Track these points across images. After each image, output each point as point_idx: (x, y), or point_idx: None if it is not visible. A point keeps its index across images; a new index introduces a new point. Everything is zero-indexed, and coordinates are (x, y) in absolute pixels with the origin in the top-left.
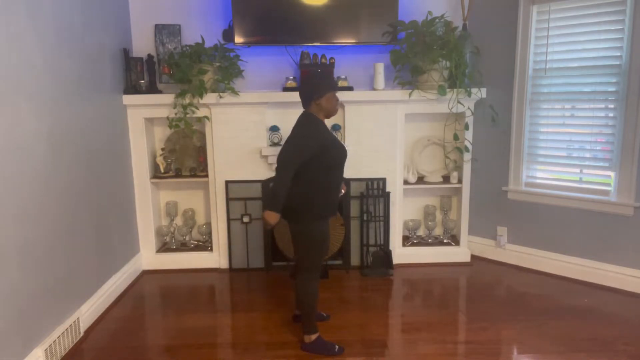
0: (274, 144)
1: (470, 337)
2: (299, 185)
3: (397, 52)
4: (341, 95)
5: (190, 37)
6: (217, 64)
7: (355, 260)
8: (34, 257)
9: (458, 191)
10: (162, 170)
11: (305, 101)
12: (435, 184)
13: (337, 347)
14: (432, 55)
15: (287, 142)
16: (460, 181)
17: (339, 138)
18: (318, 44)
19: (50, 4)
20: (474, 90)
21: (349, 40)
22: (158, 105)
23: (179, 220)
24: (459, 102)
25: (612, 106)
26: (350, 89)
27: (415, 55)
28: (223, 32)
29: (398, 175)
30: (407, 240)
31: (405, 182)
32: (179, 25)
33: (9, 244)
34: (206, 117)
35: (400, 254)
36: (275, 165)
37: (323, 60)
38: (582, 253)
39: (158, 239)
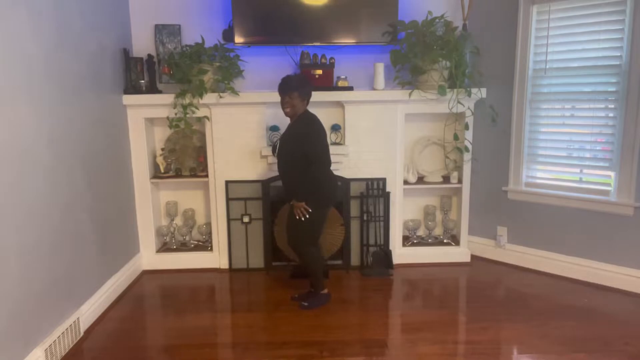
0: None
1: (470, 337)
2: (303, 175)
3: (397, 52)
4: (341, 95)
5: (190, 37)
6: (217, 64)
7: (355, 260)
8: (33, 257)
9: (458, 191)
10: (162, 170)
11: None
12: (435, 184)
13: (328, 295)
14: (432, 55)
15: (311, 140)
16: (460, 181)
17: (339, 138)
18: (318, 44)
19: (50, 4)
20: (474, 90)
21: (349, 40)
22: (158, 105)
23: (179, 220)
24: (459, 102)
25: (612, 106)
26: (350, 89)
27: (415, 55)
28: (223, 32)
29: (398, 175)
30: (407, 240)
31: (405, 182)
32: (179, 25)
33: (8, 244)
34: (206, 117)
35: (400, 254)
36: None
37: (323, 60)
38: (582, 253)
39: (158, 239)
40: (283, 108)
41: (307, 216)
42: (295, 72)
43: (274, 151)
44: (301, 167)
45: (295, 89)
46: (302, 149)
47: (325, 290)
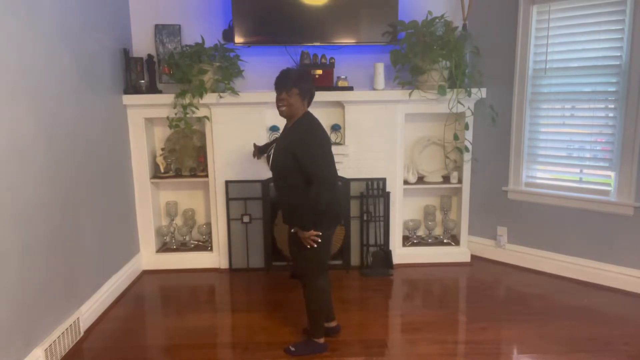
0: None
1: (470, 337)
2: (303, 191)
3: (397, 52)
4: (341, 95)
5: (190, 37)
6: (217, 64)
7: (355, 260)
8: (34, 257)
9: (458, 191)
10: (162, 170)
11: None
12: (435, 184)
13: (324, 346)
14: (432, 55)
15: (311, 152)
16: (460, 181)
17: (339, 138)
18: (318, 44)
19: (50, 4)
20: (474, 90)
21: (349, 40)
22: (158, 105)
23: (179, 220)
24: (459, 102)
25: (612, 106)
26: (350, 89)
27: (415, 55)
28: (223, 32)
29: (398, 175)
30: (407, 240)
31: (405, 182)
32: (179, 25)
33: (9, 244)
34: (206, 117)
35: (400, 254)
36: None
37: (323, 60)
38: (582, 253)
39: (158, 239)
40: (278, 107)
41: (320, 240)
42: (294, 66)
43: (268, 164)
44: (300, 185)
45: (294, 84)
46: (299, 163)
47: (322, 340)
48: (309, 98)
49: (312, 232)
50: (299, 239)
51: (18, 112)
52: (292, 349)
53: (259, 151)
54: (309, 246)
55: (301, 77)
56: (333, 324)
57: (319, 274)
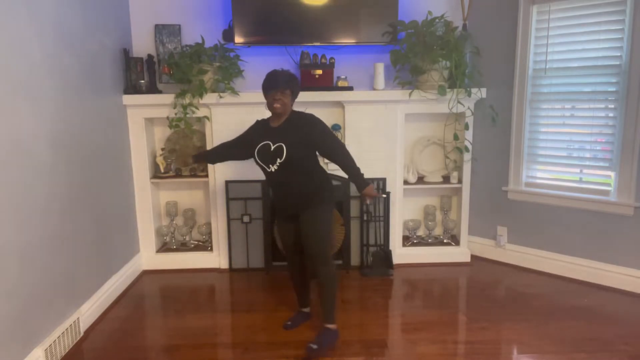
0: None
1: (470, 337)
2: (318, 172)
3: (397, 52)
4: (341, 96)
5: (190, 37)
6: (217, 64)
7: (355, 260)
8: (34, 257)
9: (458, 191)
10: (162, 170)
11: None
12: (435, 184)
13: (337, 331)
14: (432, 55)
15: (327, 137)
16: (460, 181)
17: (339, 138)
18: (318, 44)
19: (50, 4)
20: (474, 90)
21: (349, 40)
22: (158, 105)
23: (179, 220)
24: (459, 102)
25: (612, 106)
26: (350, 89)
27: (415, 55)
28: (223, 32)
29: (398, 175)
30: (407, 240)
31: (405, 182)
32: (179, 25)
33: (9, 244)
34: (206, 117)
35: (400, 254)
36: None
37: (323, 60)
38: (582, 253)
39: (158, 239)
40: (272, 104)
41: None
42: (282, 68)
43: (267, 162)
44: (316, 168)
45: (287, 85)
46: (318, 146)
47: (335, 326)
48: (296, 97)
49: (371, 186)
50: (320, 220)
51: (18, 112)
52: (314, 346)
53: (197, 158)
54: (383, 195)
55: (292, 78)
56: (307, 309)
57: (331, 254)
